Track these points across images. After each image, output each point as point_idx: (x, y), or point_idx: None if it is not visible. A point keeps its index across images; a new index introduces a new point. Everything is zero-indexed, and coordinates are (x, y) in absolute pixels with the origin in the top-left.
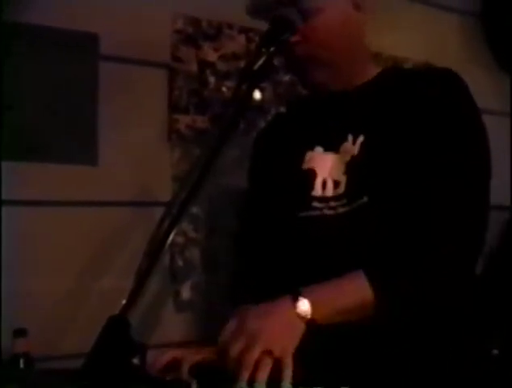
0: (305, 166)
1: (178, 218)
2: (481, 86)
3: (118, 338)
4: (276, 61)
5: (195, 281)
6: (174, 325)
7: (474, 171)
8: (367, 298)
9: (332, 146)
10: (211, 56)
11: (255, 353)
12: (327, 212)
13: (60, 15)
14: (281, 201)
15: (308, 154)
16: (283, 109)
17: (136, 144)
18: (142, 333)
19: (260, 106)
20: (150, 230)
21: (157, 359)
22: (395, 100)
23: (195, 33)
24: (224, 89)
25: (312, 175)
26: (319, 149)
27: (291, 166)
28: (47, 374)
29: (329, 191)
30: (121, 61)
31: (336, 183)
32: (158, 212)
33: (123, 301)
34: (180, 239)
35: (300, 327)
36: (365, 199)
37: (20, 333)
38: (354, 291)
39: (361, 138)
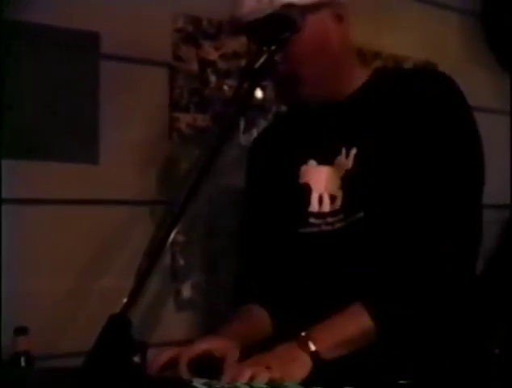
0: (301, 180)
1: (178, 217)
2: (481, 85)
3: (118, 336)
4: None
5: (196, 280)
6: (174, 324)
7: (469, 173)
8: (369, 329)
9: (325, 159)
10: (212, 55)
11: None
12: (325, 228)
13: (61, 14)
14: (279, 216)
15: (303, 168)
16: (283, 109)
17: (137, 143)
18: (143, 332)
19: (261, 105)
20: (151, 229)
21: (156, 359)
22: (385, 108)
23: (195, 32)
24: (224, 88)
25: (307, 189)
26: (312, 163)
27: (286, 181)
28: (47, 373)
29: (326, 207)
30: (122, 60)
31: (332, 198)
32: (159, 211)
33: (124, 300)
34: (181, 238)
35: (309, 363)
36: (361, 214)
37: (21, 331)
38: (357, 327)
39: (354, 151)
